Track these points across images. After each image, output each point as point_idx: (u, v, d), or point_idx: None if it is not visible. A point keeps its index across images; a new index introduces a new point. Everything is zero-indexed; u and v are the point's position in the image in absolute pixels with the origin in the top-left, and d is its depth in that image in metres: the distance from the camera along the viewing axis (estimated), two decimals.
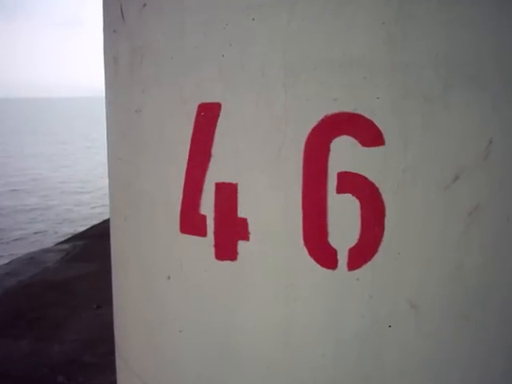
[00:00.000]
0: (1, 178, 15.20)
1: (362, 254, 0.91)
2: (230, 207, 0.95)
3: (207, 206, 0.97)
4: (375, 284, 0.92)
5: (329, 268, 0.92)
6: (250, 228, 0.94)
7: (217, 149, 0.95)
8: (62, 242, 6.69)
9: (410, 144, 0.89)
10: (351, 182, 0.90)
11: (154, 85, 1.03)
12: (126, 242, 1.17)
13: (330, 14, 0.88)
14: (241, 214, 0.95)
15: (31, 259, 5.67)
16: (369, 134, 0.89)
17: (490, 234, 0.93)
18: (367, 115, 0.88)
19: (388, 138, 0.89)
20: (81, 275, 4.85)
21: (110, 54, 1.15)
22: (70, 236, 7.36)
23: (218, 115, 0.94)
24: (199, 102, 0.96)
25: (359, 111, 0.89)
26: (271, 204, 0.93)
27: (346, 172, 0.90)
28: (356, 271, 0.92)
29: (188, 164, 0.98)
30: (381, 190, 0.90)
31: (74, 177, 15.98)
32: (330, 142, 0.90)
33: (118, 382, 1.35)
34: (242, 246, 0.95)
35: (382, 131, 0.89)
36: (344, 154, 0.90)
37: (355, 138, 0.90)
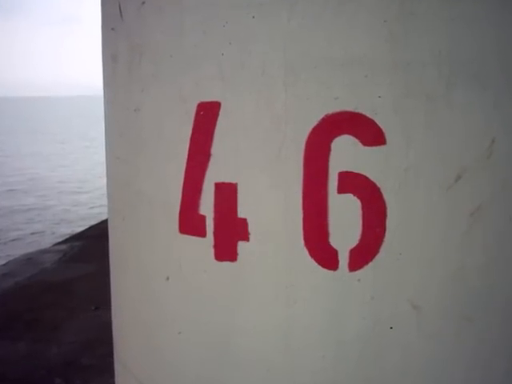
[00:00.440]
0: None
1: (363, 255, 0.91)
2: (230, 207, 0.94)
3: (207, 206, 0.96)
4: (376, 285, 0.91)
5: (330, 269, 0.91)
6: (250, 228, 0.94)
7: (216, 148, 0.95)
8: (59, 243, 6.67)
9: (411, 143, 0.88)
10: (352, 182, 0.89)
11: (153, 83, 1.02)
12: (125, 243, 1.16)
13: (331, 12, 0.87)
14: (241, 214, 0.94)
15: (28, 260, 5.66)
16: (370, 133, 0.88)
17: (492, 235, 0.92)
18: (368, 114, 0.88)
19: (389, 137, 0.88)
20: (79, 276, 4.84)
21: (109, 53, 1.15)
22: (67, 236, 7.34)
23: (217, 114, 0.94)
24: (198, 101, 0.95)
25: (360, 110, 0.88)
26: (271, 204, 0.93)
27: (346, 172, 0.89)
28: (357, 272, 0.91)
29: (187, 163, 0.97)
30: (382, 190, 0.89)
31: (71, 176, 15.96)
32: (331, 141, 0.89)
33: None
34: (241, 246, 0.95)
35: (384, 130, 0.88)
36: (345, 153, 0.89)
37: (356, 137, 0.89)
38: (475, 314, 0.94)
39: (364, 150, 0.89)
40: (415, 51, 0.87)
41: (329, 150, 0.89)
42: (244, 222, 0.94)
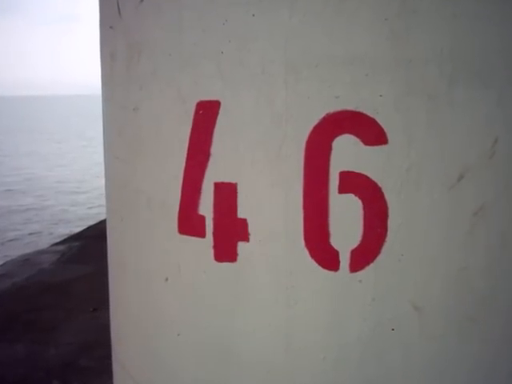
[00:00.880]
0: None
1: (364, 256, 0.90)
2: (230, 207, 0.93)
3: (206, 206, 0.95)
4: (378, 286, 0.91)
5: (330, 270, 0.91)
6: (250, 229, 0.93)
7: (216, 148, 0.94)
8: (57, 243, 6.66)
9: (413, 142, 0.88)
10: (353, 182, 0.89)
11: (152, 82, 1.01)
12: (123, 243, 1.16)
13: (332, 10, 0.86)
14: (240, 214, 0.93)
15: (26, 261, 5.64)
16: (371, 132, 0.87)
17: (495, 235, 0.91)
18: (370, 113, 0.87)
19: (391, 136, 0.87)
20: (77, 277, 4.82)
21: (107, 51, 1.14)
22: (65, 237, 7.33)
23: (217, 113, 0.93)
24: (198, 100, 0.95)
25: (361, 109, 0.87)
26: (272, 204, 0.92)
27: (348, 171, 0.88)
28: (358, 273, 0.90)
29: (186, 163, 0.97)
30: (384, 190, 0.88)
31: (69, 176, 15.93)
32: (332, 140, 0.88)
33: None
34: (241, 247, 0.94)
35: (385, 129, 0.87)
36: (346, 152, 0.88)
37: (357, 136, 0.88)
38: (478, 315, 0.93)
39: (365, 149, 0.88)
40: (417, 49, 0.86)
41: (330, 149, 0.88)
42: (244, 222, 0.93)
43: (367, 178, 0.88)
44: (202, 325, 1.00)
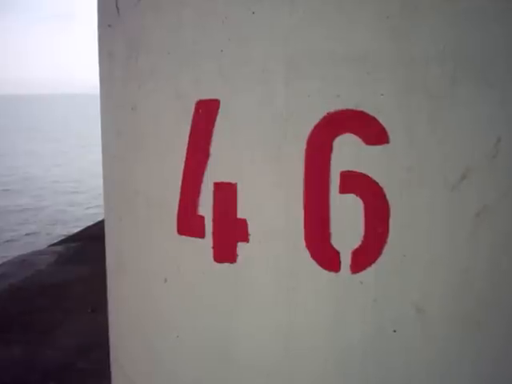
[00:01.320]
0: None
1: (365, 256, 0.89)
2: (230, 208, 0.92)
3: (206, 206, 0.94)
4: (379, 287, 0.90)
5: (331, 271, 0.90)
6: (250, 229, 0.92)
7: (215, 147, 0.93)
8: (54, 244, 6.63)
9: (415, 142, 0.87)
10: (355, 182, 0.88)
11: (151, 81, 1.00)
12: (122, 244, 1.15)
13: (333, 7, 0.85)
14: (240, 214, 0.92)
15: (23, 262, 5.61)
16: (373, 131, 0.87)
17: (498, 236, 0.91)
18: (371, 112, 0.86)
19: (393, 135, 0.87)
20: (75, 278, 4.80)
21: (105, 49, 1.13)
22: (63, 238, 7.30)
23: (216, 112, 0.92)
24: (197, 99, 0.94)
25: (363, 108, 0.87)
26: (272, 204, 0.91)
27: (349, 171, 0.88)
28: (360, 274, 0.89)
29: (186, 163, 0.96)
30: (385, 190, 0.88)
31: (67, 176, 15.89)
32: (333, 139, 0.88)
33: None
34: (241, 247, 0.93)
35: (387, 129, 0.87)
36: (347, 152, 0.88)
37: (359, 135, 0.87)
38: (481, 317, 0.92)
39: (366, 148, 0.87)
40: (419, 47, 0.85)
41: (330, 148, 0.88)
42: (244, 222, 0.92)
43: (368, 177, 0.88)
44: (201, 326, 0.99)
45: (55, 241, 7.18)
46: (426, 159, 0.87)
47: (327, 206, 0.89)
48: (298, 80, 0.87)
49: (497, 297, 0.92)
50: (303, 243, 0.90)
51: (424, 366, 0.92)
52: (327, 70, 0.87)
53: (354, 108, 0.87)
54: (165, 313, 1.04)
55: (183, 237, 0.98)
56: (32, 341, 3.62)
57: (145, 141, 1.03)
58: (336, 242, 0.89)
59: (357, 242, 0.89)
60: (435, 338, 0.91)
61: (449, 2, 0.84)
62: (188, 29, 0.94)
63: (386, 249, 0.89)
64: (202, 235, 0.95)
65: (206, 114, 0.93)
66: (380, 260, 0.89)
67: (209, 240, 0.95)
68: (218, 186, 0.93)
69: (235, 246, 0.93)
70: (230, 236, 0.93)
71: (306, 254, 0.90)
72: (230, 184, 0.93)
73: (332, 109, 0.87)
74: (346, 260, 0.89)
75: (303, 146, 0.88)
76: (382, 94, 0.86)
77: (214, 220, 0.94)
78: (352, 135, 0.87)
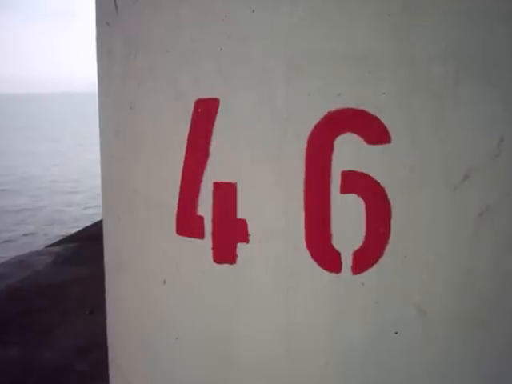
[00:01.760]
0: None
1: (367, 257, 0.89)
2: (229, 208, 0.92)
3: (205, 206, 0.94)
4: (381, 288, 0.89)
5: (332, 271, 0.89)
6: (250, 230, 0.91)
7: (215, 147, 0.92)
8: (52, 245, 6.61)
9: (417, 142, 0.86)
10: (356, 182, 0.87)
11: (149, 79, 0.99)
12: (120, 245, 1.14)
13: (334, 5, 0.85)
14: (240, 214, 0.92)
15: (21, 262, 5.59)
16: (374, 131, 0.86)
17: (501, 236, 0.90)
18: (372, 111, 0.86)
19: (394, 135, 0.86)
20: (73, 279, 4.78)
21: (103, 48, 1.12)
22: (61, 238, 7.28)
23: (216, 111, 0.91)
24: (196, 98, 0.93)
25: (364, 107, 0.86)
26: (272, 204, 0.90)
27: (350, 171, 0.87)
28: (361, 275, 0.89)
29: (185, 162, 0.95)
30: (387, 190, 0.87)
31: (65, 176, 15.84)
32: (334, 139, 0.87)
33: None
34: (241, 248, 0.92)
35: (388, 128, 0.86)
36: (348, 152, 0.87)
37: (360, 135, 0.87)
38: (483, 318, 0.92)
39: (368, 148, 0.86)
40: (421, 46, 0.85)
41: (331, 148, 0.87)
42: (244, 222, 0.91)
43: (370, 177, 0.87)
44: (200, 327, 0.99)
45: (53, 241, 7.16)
46: (427, 159, 0.86)
47: (328, 206, 0.88)
48: (299, 79, 0.87)
49: (499, 297, 0.92)
50: (304, 244, 0.89)
51: (426, 367, 0.91)
52: (328, 69, 0.86)
53: (355, 107, 0.86)
54: (164, 313, 1.04)
55: (182, 237, 0.97)
56: (30, 342, 3.60)
57: (143, 140, 1.02)
58: (337, 242, 0.88)
59: (358, 243, 0.88)
60: (437, 339, 0.91)
61: (451, 1, 0.84)
62: (187, 27, 0.94)
63: (388, 249, 0.88)
64: (201, 236, 0.95)
65: (205, 113, 0.92)
66: (381, 261, 0.88)
67: (208, 240, 0.94)
68: (218, 186, 0.93)
69: (235, 247, 0.92)
70: (229, 236, 0.93)
71: (307, 254, 0.89)
72: (229, 184, 0.92)
73: (333, 108, 0.86)
74: (347, 261, 0.89)
75: (304, 145, 0.88)
76: (384, 93, 0.85)
77: (214, 220, 0.93)
78: (353, 135, 0.87)
